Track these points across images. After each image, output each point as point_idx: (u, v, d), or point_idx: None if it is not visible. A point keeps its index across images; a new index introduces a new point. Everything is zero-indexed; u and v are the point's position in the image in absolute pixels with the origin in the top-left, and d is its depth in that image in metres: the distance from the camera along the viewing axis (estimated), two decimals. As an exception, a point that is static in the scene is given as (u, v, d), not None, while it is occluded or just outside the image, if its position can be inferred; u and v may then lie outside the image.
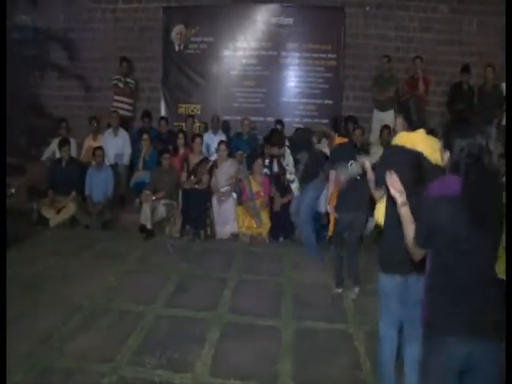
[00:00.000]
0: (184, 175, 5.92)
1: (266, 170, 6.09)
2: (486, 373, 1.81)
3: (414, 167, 2.52)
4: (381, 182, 2.56)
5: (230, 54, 7.70)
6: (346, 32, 7.46)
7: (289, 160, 5.13)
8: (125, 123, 7.07)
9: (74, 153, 6.56)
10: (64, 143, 6.21)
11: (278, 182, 5.81)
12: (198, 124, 7.27)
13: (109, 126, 6.91)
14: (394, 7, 7.49)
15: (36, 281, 4.45)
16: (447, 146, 1.96)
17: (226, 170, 5.86)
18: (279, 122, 6.95)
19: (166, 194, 5.84)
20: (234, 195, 5.81)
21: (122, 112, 7.08)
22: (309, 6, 7.54)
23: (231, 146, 6.30)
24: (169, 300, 4.11)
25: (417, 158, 2.55)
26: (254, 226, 5.59)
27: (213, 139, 6.72)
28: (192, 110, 7.68)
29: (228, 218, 5.64)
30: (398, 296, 2.60)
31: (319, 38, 7.49)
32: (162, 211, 5.72)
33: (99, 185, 6.08)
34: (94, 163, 6.23)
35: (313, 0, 7.58)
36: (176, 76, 7.84)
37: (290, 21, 7.49)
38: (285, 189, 5.64)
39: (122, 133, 6.82)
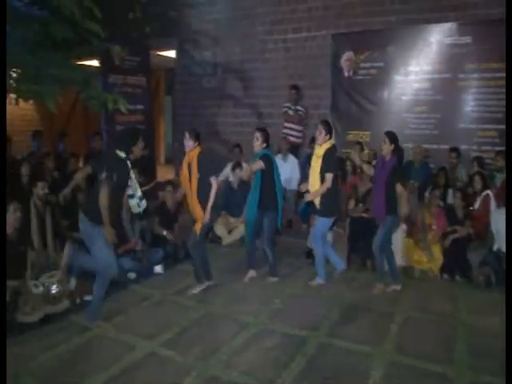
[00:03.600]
0: (352, 203, 5.84)
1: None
2: None
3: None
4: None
5: (401, 79, 7.43)
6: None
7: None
8: (294, 149, 7.29)
9: (245, 177, 6.93)
10: (237, 167, 6.61)
11: (452, 214, 5.37)
12: (366, 151, 7.14)
13: (278, 151, 7.19)
14: None
15: (207, 294, 4.81)
16: (393, 142, 4.77)
17: (396, 200, 5.61)
18: (454, 149, 6.46)
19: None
20: (404, 226, 5.51)
21: (291, 139, 7.33)
22: (490, 21, 6.81)
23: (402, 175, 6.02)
24: (332, 329, 4.04)
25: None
26: (425, 260, 5.22)
27: (382, 167, 6.51)
28: (361, 137, 7.59)
29: (396, 249, 5.35)
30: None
31: (502, 56, 6.77)
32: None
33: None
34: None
35: (494, 13, 6.85)
36: (345, 103, 7.85)
37: (467, 39, 6.91)
38: (458, 222, 5.20)
39: (291, 158, 7.03)
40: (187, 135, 4.75)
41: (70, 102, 10.12)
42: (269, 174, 4.97)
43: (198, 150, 4.73)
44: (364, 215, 5.67)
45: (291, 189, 6.83)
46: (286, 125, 7.55)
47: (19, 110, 10.23)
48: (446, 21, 7.09)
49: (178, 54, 9.44)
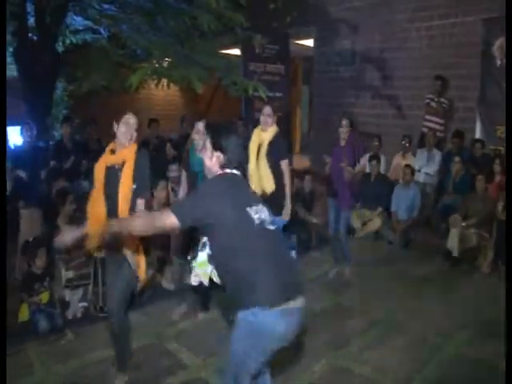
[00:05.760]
0: (501, 205, 5.33)
1: None
2: None
3: None
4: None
5: None
6: None
7: None
8: (437, 143, 6.89)
9: (382, 169, 6.75)
10: (374, 158, 6.45)
11: None
12: (519, 149, 6.45)
13: (419, 145, 6.85)
14: None
15: (340, 284, 4.80)
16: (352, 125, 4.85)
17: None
18: None
19: (477, 221, 5.37)
20: None
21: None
22: None
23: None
24: (472, 340, 3.73)
25: None
26: None
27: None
28: (514, 134, 6.87)
29: None
30: None
31: None
32: (471, 240, 5.29)
33: (406, 203, 6.08)
34: (401, 181, 6.27)
35: None
36: (496, 94, 7.10)
37: None
38: None
39: (435, 153, 6.67)
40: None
41: (211, 88, 10.70)
42: None
43: (134, 147, 3.12)
44: (514, 219, 5.14)
45: (431, 184, 6.48)
46: (428, 117, 7.13)
47: (168, 95, 11.17)
48: None
49: (316, 42, 9.42)
